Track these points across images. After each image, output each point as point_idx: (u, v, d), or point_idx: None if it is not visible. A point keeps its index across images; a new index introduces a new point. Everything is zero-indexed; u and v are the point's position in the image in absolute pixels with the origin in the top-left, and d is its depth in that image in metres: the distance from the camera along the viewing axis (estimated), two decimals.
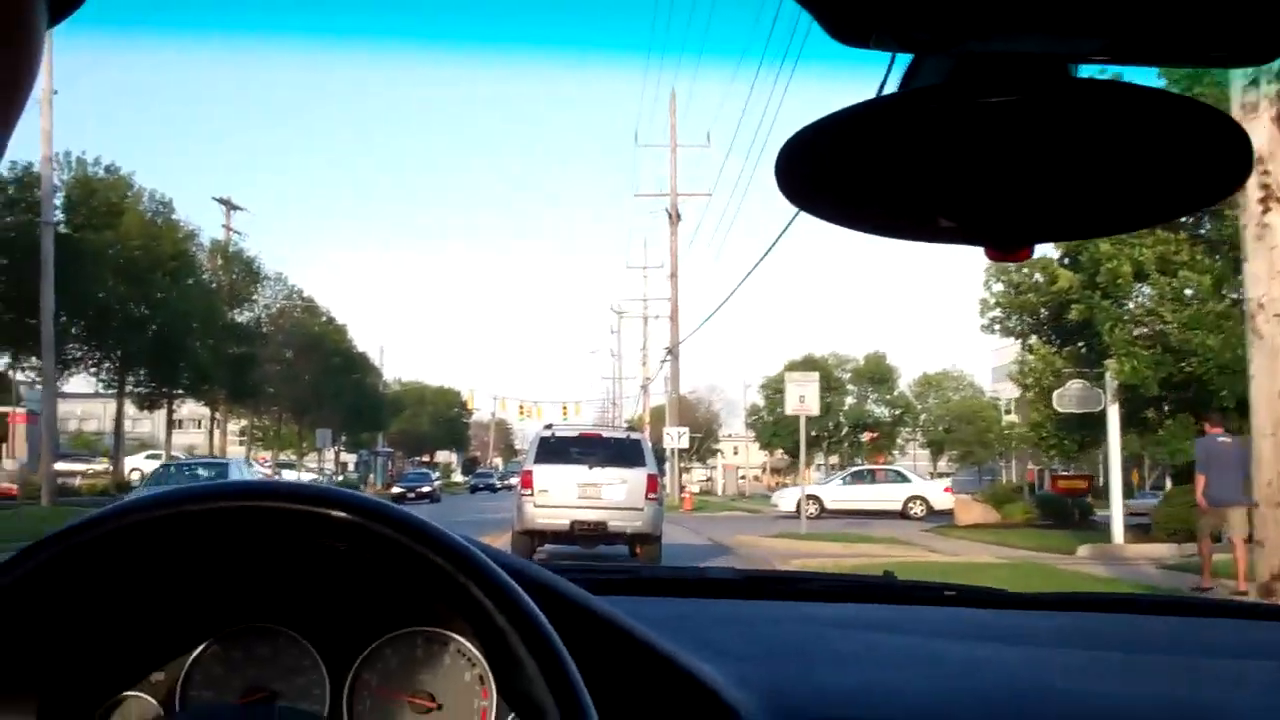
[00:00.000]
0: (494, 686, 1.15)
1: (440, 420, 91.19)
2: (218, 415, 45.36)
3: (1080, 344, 24.93)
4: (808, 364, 71.98)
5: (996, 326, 28.73)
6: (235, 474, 21.24)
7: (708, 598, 1.74)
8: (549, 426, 15.99)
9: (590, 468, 14.31)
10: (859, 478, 37.14)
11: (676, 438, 36.92)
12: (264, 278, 42.73)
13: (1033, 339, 27.75)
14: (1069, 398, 22.58)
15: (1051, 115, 0.66)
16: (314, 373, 44.72)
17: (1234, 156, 0.68)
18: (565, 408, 67.48)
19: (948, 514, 31.80)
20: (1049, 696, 1.25)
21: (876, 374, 70.09)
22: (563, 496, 14.17)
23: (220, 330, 37.18)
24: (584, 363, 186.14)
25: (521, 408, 65.83)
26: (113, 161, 34.64)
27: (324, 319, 48.50)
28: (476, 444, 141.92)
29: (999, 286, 27.42)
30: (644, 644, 1.11)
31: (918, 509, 33.39)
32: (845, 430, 71.04)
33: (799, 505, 30.45)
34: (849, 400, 71.08)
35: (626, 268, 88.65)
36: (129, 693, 1.14)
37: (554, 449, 14.69)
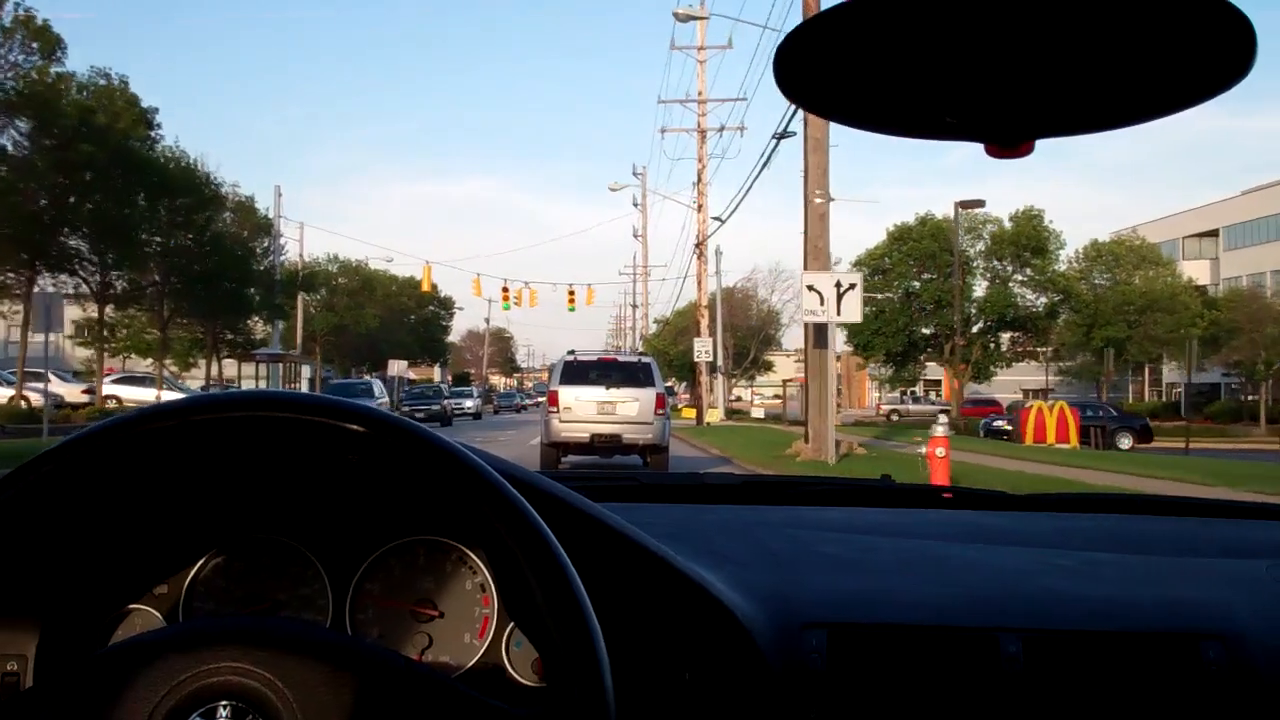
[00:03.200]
0: (495, 594, 1.18)
1: (405, 320, 68.58)
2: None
3: None
4: (924, 228, 50.34)
5: None
6: None
7: (707, 503, 1.75)
8: (572, 352, 17.18)
9: (607, 388, 16.17)
10: None
11: (834, 301, 14.19)
12: None
13: None
14: None
15: (1051, 3, 0.65)
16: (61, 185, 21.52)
17: (1237, 47, 0.66)
18: (571, 293, 45.08)
19: None
20: (1043, 598, 1.23)
21: (1029, 242, 47.35)
22: (584, 413, 16.06)
23: None
24: (597, 235, 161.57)
25: (507, 291, 43.11)
26: None
27: (95, 83, 24.76)
28: (471, 357, 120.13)
29: None
30: (644, 550, 1.12)
31: None
32: (980, 326, 48.74)
33: None
34: (981, 284, 48.70)
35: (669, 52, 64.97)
36: (133, 606, 1.17)
37: (576, 372, 16.56)
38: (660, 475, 2.14)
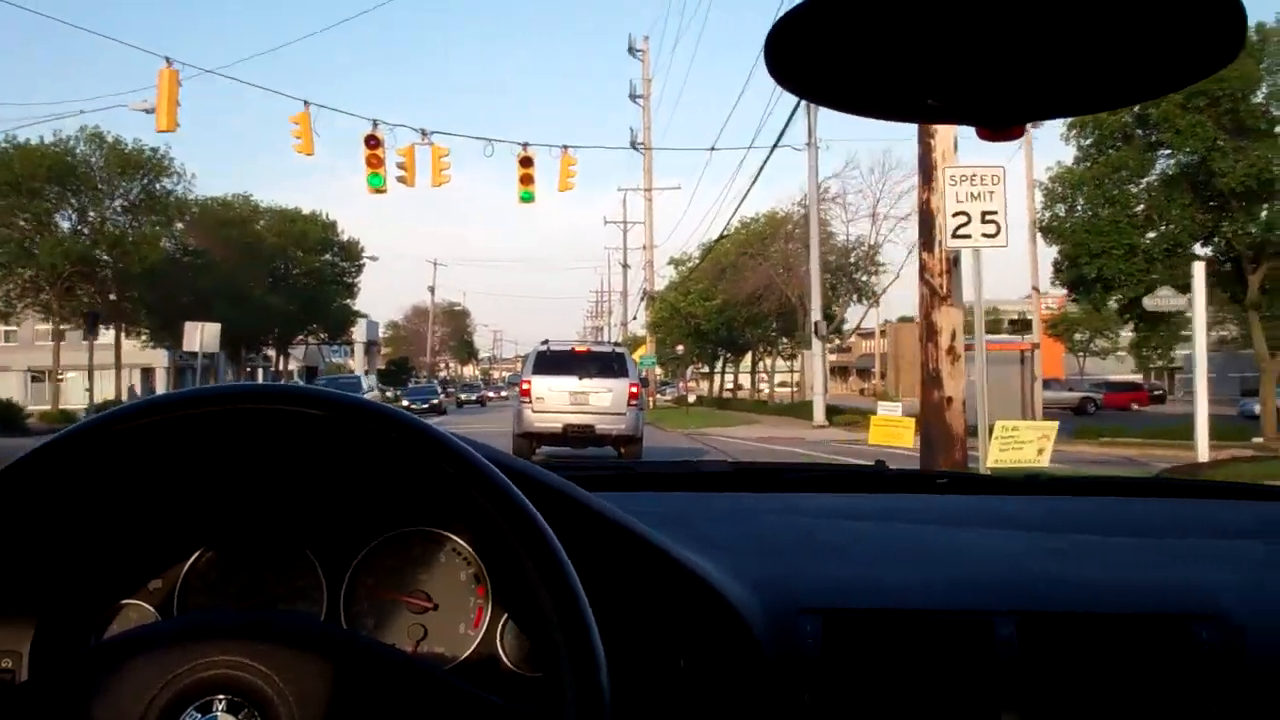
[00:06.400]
0: (490, 585, 1.19)
1: (280, 271, 44.23)
2: None
3: None
4: None
5: None
6: None
7: (700, 491, 1.75)
8: (545, 342, 17.16)
9: (580, 379, 16.17)
10: None
11: None
12: None
13: None
14: None
15: None
16: None
17: (1226, 29, 0.67)
18: (526, 163, 20.61)
19: None
20: (1037, 581, 1.24)
21: None
22: (556, 403, 16.11)
23: None
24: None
25: (375, 144, 18.50)
26: None
27: None
28: (414, 343, 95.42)
29: None
30: (638, 538, 1.12)
31: None
32: None
33: None
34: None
35: None
36: (127, 601, 1.17)
37: (549, 362, 16.53)
38: (653, 463, 2.12)
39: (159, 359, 45.61)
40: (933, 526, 1.46)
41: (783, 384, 57.71)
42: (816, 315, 26.73)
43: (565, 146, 22.67)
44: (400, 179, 20.35)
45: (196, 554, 1.19)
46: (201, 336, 27.27)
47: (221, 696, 0.86)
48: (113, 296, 32.08)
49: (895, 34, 0.68)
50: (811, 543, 1.37)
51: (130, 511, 1.13)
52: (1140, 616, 1.16)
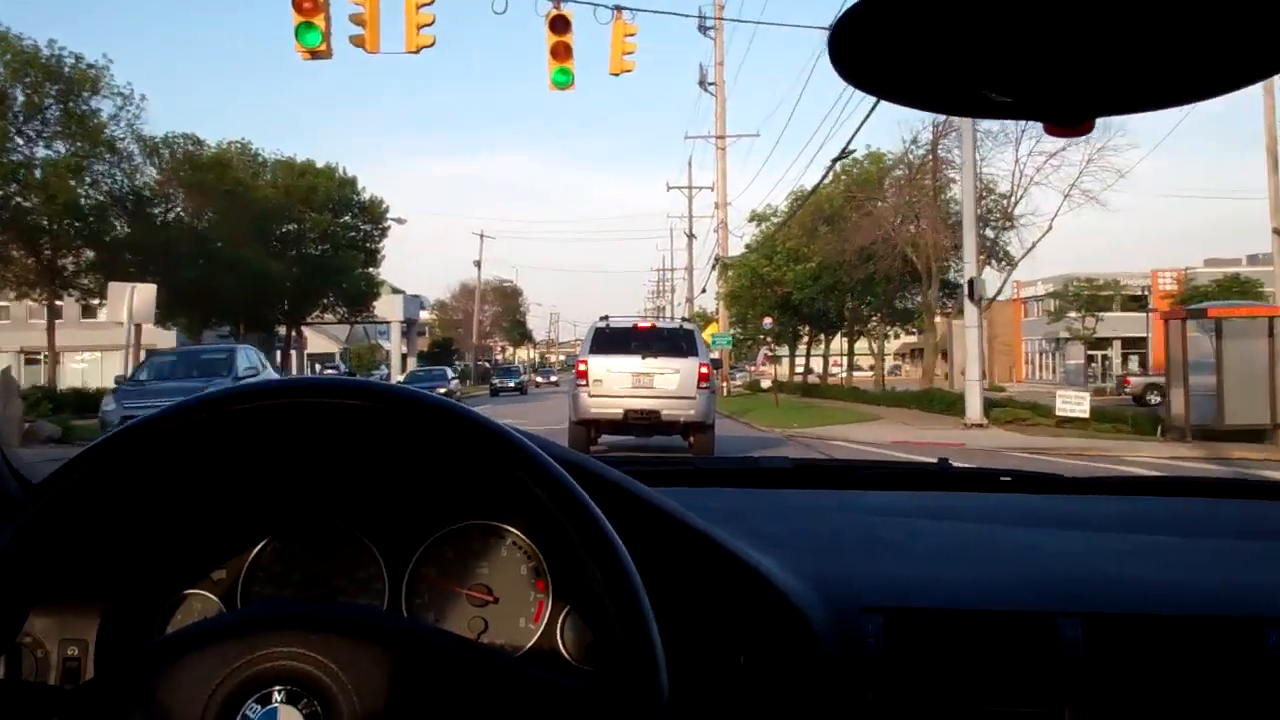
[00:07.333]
0: (550, 579, 1.20)
1: (277, 233, 37.39)
2: None
3: None
4: None
5: None
6: None
7: (761, 488, 1.75)
8: (604, 319, 15.69)
9: (643, 358, 14.57)
10: None
11: None
12: None
13: None
14: None
15: None
16: None
17: None
18: (558, 24, 12.46)
19: None
20: (1103, 582, 1.23)
21: None
22: (617, 386, 14.50)
23: None
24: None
25: None
26: None
27: None
28: (464, 324, 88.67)
29: None
30: (698, 534, 1.13)
31: None
32: None
33: None
34: None
35: None
36: (191, 590, 1.20)
37: (608, 340, 15.00)
38: (713, 459, 2.16)
39: (166, 339, 38.91)
40: (997, 525, 1.44)
41: (856, 368, 49.76)
42: (971, 270, 18.99)
43: (618, 8, 15.29)
44: (355, 39, 13.03)
45: (261, 545, 1.21)
46: (130, 301, 20.33)
47: (280, 687, 0.86)
48: (48, 252, 25.32)
49: (961, 30, 0.67)
50: (873, 540, 1.36)
51: (196, 502, 1.16)
52: (1208, 619, 1.14)
